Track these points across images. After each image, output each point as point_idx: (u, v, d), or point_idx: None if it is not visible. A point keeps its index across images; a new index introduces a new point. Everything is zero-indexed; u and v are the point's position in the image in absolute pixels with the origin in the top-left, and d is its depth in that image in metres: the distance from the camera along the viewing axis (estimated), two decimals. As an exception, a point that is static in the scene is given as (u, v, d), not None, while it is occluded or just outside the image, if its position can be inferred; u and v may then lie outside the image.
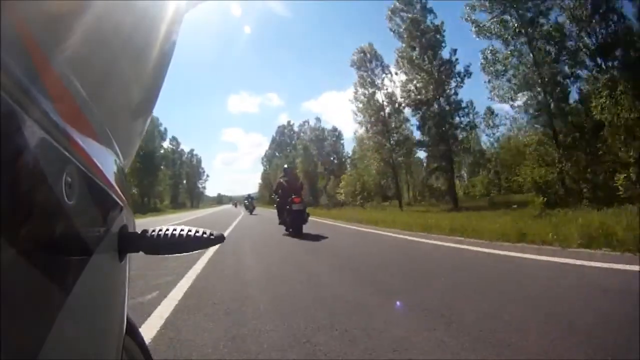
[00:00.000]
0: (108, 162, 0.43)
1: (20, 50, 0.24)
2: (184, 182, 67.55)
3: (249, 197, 24.66)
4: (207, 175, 77.00)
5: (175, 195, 60.15)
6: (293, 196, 6.93)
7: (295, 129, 56.35)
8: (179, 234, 0.46)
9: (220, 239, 0.50)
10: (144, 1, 0.54)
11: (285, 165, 7.87)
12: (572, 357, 1.38)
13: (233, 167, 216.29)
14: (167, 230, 0.46)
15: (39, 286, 0.24)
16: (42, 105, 0.25)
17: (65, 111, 0.30)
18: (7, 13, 0.22)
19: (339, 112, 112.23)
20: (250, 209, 22.25)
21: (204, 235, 0.48)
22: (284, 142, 59.88)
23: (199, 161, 74.95)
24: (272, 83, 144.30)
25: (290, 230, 7.05)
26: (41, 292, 0.24)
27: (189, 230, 0.47)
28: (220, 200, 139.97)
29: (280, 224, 7.65)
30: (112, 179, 0.43)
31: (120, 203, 0.45)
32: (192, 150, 74.52)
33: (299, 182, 7.74)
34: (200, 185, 75.36)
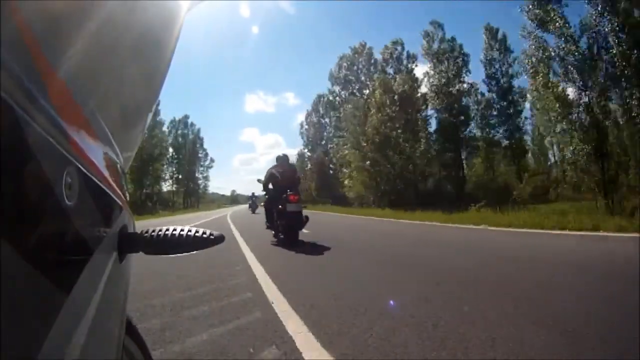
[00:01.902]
0: (108, 163, 0.43)
1: (20, 50, 0.24)
2: (172, 169, 42.30)
3: (252, 197, 24.98)
4: (212, 160, 48.45)
5: (150, 189, 35.51)
6: (288, 192, 5.01)
7: (378, 55, 28.39)
8: (179, 234, 0.46)
9: (220, 239, 0.50)
10: (145, 1, 0.54)
11: (281, 154, 5.73)
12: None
13: (252, 167, 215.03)
14: (167, 230, 0.47)
15: (39, 286, 0.24)
16: (42, 106, 0.25)
17: (66, 111, 0.30)
18: (7, 13, 0.22)
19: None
20: (253, 207, 22.57)
21: (204, 236, 0.48)
22: (353, 79, 30.43)
23: (197, 135, 45.12)
24: (288, 82, 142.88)
25: (281, 237, 5.16)
26: (41, 292, 0.24)
27: (189, 231, 0.48)
28: (235, 199, 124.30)
29: (268, 228, 5.67)
30: (111, 179, 0.43)
31: (120, 203, 0.45)
32: (186, 118, 44.14)
33: (296, 174, 5.67)
34: (200, 176, 46.87)
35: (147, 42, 0.54)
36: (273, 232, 5.47)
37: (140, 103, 0.61)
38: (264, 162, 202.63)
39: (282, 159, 5.65)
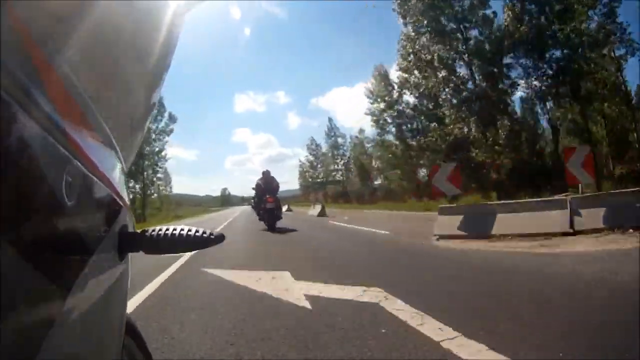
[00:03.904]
0: (108, 162, 0.43)
1: (20, 50, 0.24)
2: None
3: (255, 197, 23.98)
4: (172, 119, 24.71)
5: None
6: (267, 196, 8.21)
7: None
8: (179, 234, 0.46)
9: (220, 238, 0.50)
10: (144, 1, 0.54)
11: (265, 170, 9.02)
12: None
13: (245, 167, 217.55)
14: (167, 229, 0.46)
15: (39, 286, 0.24)
16: (42, 105, 0.25)
17: (66, 111, 0.30)
18: (7, 13, 0.22)
19: (351, 108, 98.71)
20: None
21: (204, 235, 0.48)
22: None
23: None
24: (278, 80, 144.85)
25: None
26: (41, 292, 0.24)
27: (189, 230, 0.47)
28: (226, 200, 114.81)
29: (260, 220, 8.89)
30: (112, 178, 0.43)
31: (121, 203, 0.45)
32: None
33: (275, 183, 8.88)
34: (154, 156, 24.43)
35: (147, 42, 0.54)
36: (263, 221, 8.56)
37: (140, 102, 0.60)
38: (258, 163, 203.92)
39: (266, 173, 8.92)
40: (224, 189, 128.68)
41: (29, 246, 0.22)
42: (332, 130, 38.16)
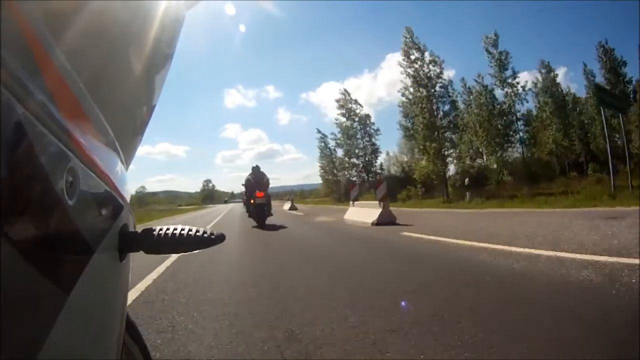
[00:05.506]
0: (109, 161, 0.43)
1: (21, 48, 0.23)
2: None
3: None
4: None
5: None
6: (257, 190, 8.19)
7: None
8: (180, 234, 0.46)
9: (220, 238, 0.50)
10: (146, 1, 0.54)
11: (254, 165, 9.06)
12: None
13: (234, 164, 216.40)
14: (168, 229, 0.46)
15: (39, 286, 0.23)
16: (43, 103, 0.25)
17: (67, 109, 0.30)
18: (9, 11, 0.22)
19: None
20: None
21: (205, 235, 0.48)
22: None
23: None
24: (269, 75, 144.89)
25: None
26: (41, 292, 0.24)
27: (190, 230, 0.47)
28: (209, 195, 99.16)
29: (249, 216, 8.80)
30: (113, 177, 0.42)
31: (121, 202, 0.45)
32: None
33: (265, 178, 8.86)
34: None
35: (148, 40, 0.54)
36: (253, 219, 8.46)
37: (141, 102, 0.60)
38: (247, 159, 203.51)
39: (255, 169, 9.01)
40: (207, 182, 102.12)
41: (29, 246, 0.22)
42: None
